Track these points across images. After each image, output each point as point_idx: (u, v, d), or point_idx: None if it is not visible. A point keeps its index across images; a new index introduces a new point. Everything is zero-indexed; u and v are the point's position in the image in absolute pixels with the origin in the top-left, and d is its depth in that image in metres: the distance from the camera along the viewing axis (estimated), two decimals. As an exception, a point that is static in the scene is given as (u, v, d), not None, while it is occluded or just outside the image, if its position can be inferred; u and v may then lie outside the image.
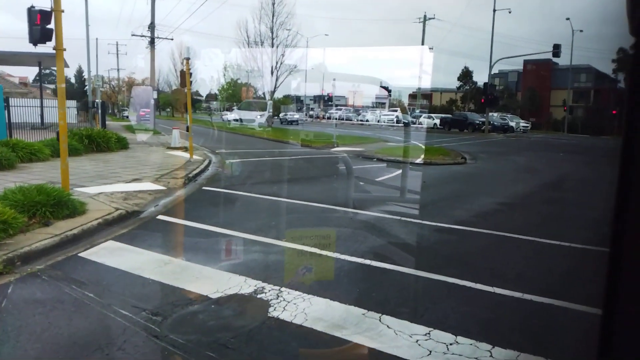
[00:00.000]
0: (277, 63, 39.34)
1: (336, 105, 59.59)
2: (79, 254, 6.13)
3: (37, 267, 5.60)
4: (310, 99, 67.37)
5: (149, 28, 31.49)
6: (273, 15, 39.04)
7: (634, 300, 0.87)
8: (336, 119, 50.25)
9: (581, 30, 47.76)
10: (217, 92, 51.18)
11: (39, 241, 6.20)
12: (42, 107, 23.25)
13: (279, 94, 48.05)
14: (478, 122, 41.52)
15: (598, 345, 0.91)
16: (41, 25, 8.57)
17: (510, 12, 40.75)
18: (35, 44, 8.75)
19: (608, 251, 0.89)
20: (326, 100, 59.14)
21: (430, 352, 3.76)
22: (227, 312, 4.58)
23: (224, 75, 45.78)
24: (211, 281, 5.20)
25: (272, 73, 39.33)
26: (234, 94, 46.70)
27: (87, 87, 35.59)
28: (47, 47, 9.04)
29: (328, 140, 24.68)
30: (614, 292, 0.88)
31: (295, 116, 46.11)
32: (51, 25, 8.56)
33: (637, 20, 0.86)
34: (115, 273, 5.46)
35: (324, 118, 54.31)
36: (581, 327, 4.46)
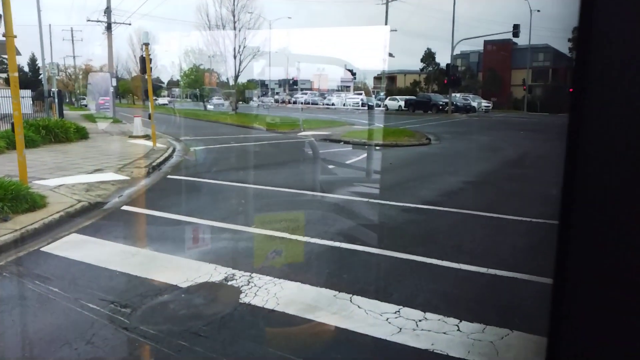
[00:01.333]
0: (239, 47, 38.67)
1: (302, 89, 59.30)
2: (42, 249, 5.95)
3: (-3, 263, 5.41)
4: (275, 83, 66.77)
5: (105, 13, 30.39)
6: (234, -2, 38.22)
7: (581, 271, 0.91)
8: (302, 103, 50.05)
9: (538, 10, 48.74)
10: (179, 79, 50.02)
11: (-3, 237, 5.99)
12: (-6, 97, 22.21)
13: (242, 79, 47.38)
14: (441, 103, 42.09)
15: (550, 312, 0.95)
16: (-12, 11, 8.15)
17: (470, -7, 41.12)
18: (-18, 31, 8.33)
19: (557, 224, 0.93)
20: (291, 84, 58.74)
21: (400, 329, 3.85)
22: (198, 300, 4.56)
23: (186, 60, 44.77)
24: (180, 270, 5.15)
25: (234, 57, 38.66)
26: (197, 79, 45.77)
27: (41, 76, 34.20)
28: (-4, 34, 8.62)
29: (294, 125, 24.57)
30: (563, 264, 0.93)
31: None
32: (-1, 11, 8.15)
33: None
34: (81, 266, 5.33)
35: (289, 102, 53.98)
36: (545, 298, 4.64)
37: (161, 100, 52.95)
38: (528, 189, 10.28)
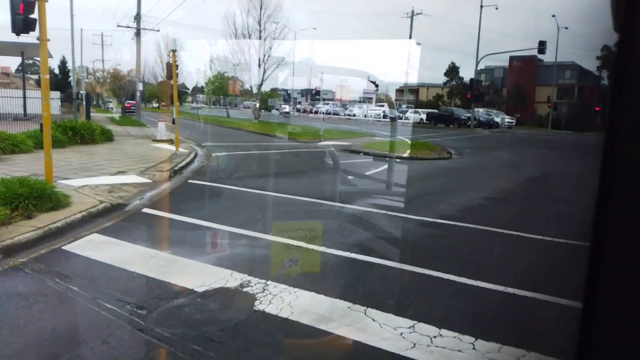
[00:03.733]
0: (264, 56, 39.10)
1: (323, 100, 59.56)
2: (63, 247, 6.07)
3: (20, 260, 5.53)
4: (298, 93, 67.20)
5: (135, 19, 31.09)
6: (261, 8, 38.75)
7: (612, 294, 0.89)
8: (323, 113, 50.24)
9: (566, 27, 48.29)
10: (203, 85, 50.77)
11: (21, 234, 6.12)
12: (24, 97, 22.87)
13: (266, 87, 47.85)
14: (464, 117, 41.79)
15: (578, 338, 0.93)
16: (24, 15, 8.40)
17: (497, 9, 40.92)
18: (18, 34, 8.59)
19: (589, 246, 0.91)
20: (314, 94, 59.05)
21: (415, 344, 3.81)
22: (213, 305, 4.58)
23: (211, 67, 45.42)
24: (197, 274, 5.19)
25: (259, 66, 39.08)
26: (221, 86, 46.37)
27: (71, 78, 35.06)
28: (30, 37, 8.88)
29: (315, 135, 24.65)
30: (594, 287, 0.90)
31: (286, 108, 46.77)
32: (35, 15, 8.40)
33: (621, 17, 0.87)
34: (100, 266, 5.42)
35: (311, 112, 54.23)
36: (562, 320, 4.55)
37: (194, 105, 55.65)
38: (549, 208, 10.11)
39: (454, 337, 3.95)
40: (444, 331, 4.03)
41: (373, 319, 4.22)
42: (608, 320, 0.89)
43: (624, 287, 0.87)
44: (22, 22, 8.42)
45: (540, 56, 41.34)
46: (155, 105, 67.78)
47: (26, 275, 5.15)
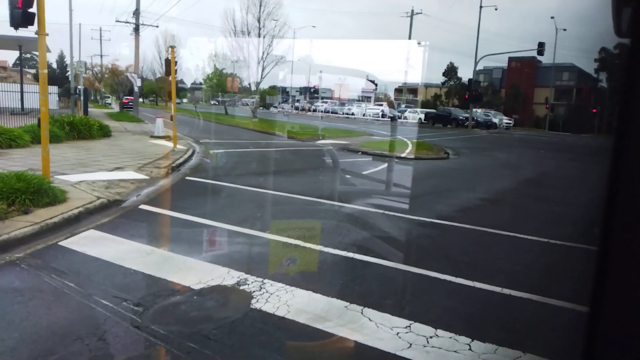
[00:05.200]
0: (263, 53, 39.02)
1: (322, 98, 59.52)
2: (59, 243, 6.05)
3: (16, 255, 5.52)
4: (297, 91, 67.16)
5: (133, 15, 30.99)
6: (260, 5, 38.65)
7: (620, 299, 0.88)
8: (322, 111, 50.23)
9: (565, 29, 48.41)
10: (202, 82, 50.70)
11: (18, 229, 6.11)
12: (22, 92, 22.77)
13: (264, 85, 47.77)
14: (462, 117, 41.82)
15: (583, 342, 0.93)
16: (23, 9, 8.36)
17: (496, 9, 40.92)
18: (16, 28, 8.54)
19: (597, 250, 0.90)
20: (312, 92, 59.01)
21: (411, 344, 3.81)
22: (209, 303, 4.58)
23: (210, 64, 45.31)
24: (194, 272, 5.18)
25: (258, 63, 39.02)
26: (219, 83, 46.29)
27: (69, 73, 34.93)
28: (28, 31, 8.84)
29: (314, 133, 24.64)
30: (601, 291, 0.90)
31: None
32: (33, 9, 8.36)
33: (625, 21, 0.87)
34: (97, 262, 5.40)
35: (309, 110, 54.20)
36: (559, 322, 4.56)
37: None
38: (546, 209, 10.13)
39: (450, 337, 3.96)
40: (440, 331, 4.04)
41: (370, 319, 4.22)
42: (615, 323, 0.89)
43: (631, 290, 0.87)
44: (21, 16, 8.38)
45: (538, 57, 41.44)
46: (151, 100, 67.63)
47: (22, 270, 5.13)
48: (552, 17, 47.57)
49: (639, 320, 0.86)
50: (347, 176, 13.19)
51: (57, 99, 26.01)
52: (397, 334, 3.98)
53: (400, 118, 44.58)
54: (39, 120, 9.60)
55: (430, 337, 3.93)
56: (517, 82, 59.20)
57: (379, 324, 4.13)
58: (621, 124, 0.87)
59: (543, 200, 11.15)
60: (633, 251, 0.86)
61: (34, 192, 7.16)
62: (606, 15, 0.95)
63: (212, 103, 55.21)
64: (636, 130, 0.85)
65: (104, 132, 18.56)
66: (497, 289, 5.11)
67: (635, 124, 0.85)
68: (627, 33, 0.86)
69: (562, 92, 58.36)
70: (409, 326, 4.11)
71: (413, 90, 67.39)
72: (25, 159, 11.51)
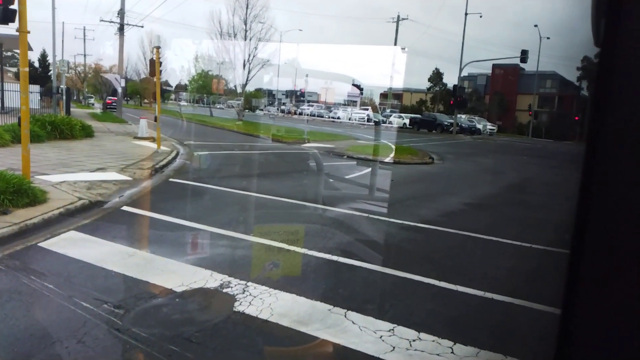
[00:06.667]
0: (249, 56, 38.92)
1: (308, 101, 59.56)
2: (39, 244, 5.94)
3: (-6, 256, 5.40)
4: (283, 94, 67.08)
5: (118, 14, 30.69)
6: (247, 7, 38.57)
7: (591, 300, 0.90)
8: (307, 115, 50.25)
9: (548, 38, 49.05)
10: (187, 83, 50.38)
11: (-4, 230, 5.98)
12: (2, 90, 22.38)
13: (250, 87, 47.64)
14: (446, 123, 42.18)
15: (556, 344, 0.94)
16: (4, 5, 8.22)
17: (481, 17, 41.44)
18: (-3, 25, 8.40)
19: (568, 253, 0.92)
20: (298, 96, 59.01)
21: (394, 347, 3.82)
22: (191, 306, 4.53)
23: (195, 65, 45.04)
24: (176, 275, 5.13)
25: (244, 66, 38.89)
26: (205, 85, 46.04)
27: (51, 72, 34.45)
28: (9, 29, 8.71)
29: (299, 136, 24.64)
30: (572, 293, 0.92)
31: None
32: (15, 6, 8.23)
33: (601, 32, 0.89)
34: (77, 264, 5.32)
35: (295, 113, 54.20)
36: (540, 325, 4.61)
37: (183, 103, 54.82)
38: (528, 214, 10.26)
39: (433, 340, 3.97)
40: (423, 335, 4.05)
41: (353, 322, 4.22)
42: (586, 326, 0.90)
43: (603, 293, 0.88)
44: (2, 13, 8.24)
45: (522, 65, 42.04)
46: (133, 102, 67.04)
47: (0, 272, 5.03)
48: (535, 26, 48.25)
49: (609, 320, 0.88)
50: (332, 180, 13.21)
51: (39, 98, 25.62)
52: (381, 337, 3.98)
53: (385, 122, 44.82)
54: (19, 119, 9.43)
55: (413, 341, 3.95)
56: (501, 89, 59.95)
57: (363, 327, 4.13)
58: (592, 130, 0.89)
59: (526, 205, 11.30)
60: (603, 254, 0.88)
61: (14, 192, 7.03)
62: (587, 26, 0.97)
63: (194, 105, 54.95)
64: (605, 137, 0.87)
65: (87, 133, 18.30)
66: (480, 293, 5.16)
67: (605, 130, 0.88)
68: (601, 44, 0.88)
69: (544, 99, 59.26)
70: (392, 329, 4.12)
71: (398, 95, 67.85)
72: (4, 158, 11.29)
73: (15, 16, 8.24)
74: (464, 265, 6.35)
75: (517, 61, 38.62)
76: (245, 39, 38.25)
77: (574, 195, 0.92)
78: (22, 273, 4.98)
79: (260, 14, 38.50)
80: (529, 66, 46.10)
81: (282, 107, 59.74)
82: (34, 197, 7.31)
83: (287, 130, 27.96)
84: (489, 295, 5.11)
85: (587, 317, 0.90)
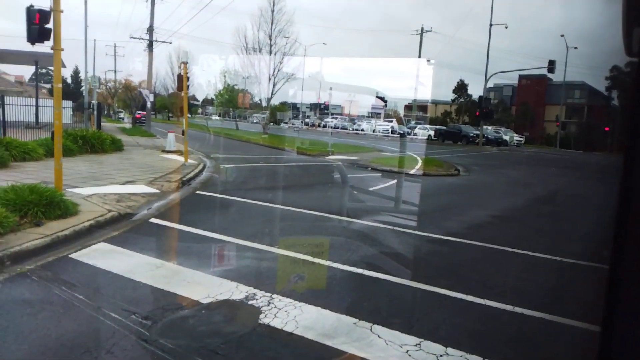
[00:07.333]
0: (274, 70, 39.40)
1: (332, 114, 59.77)
2: (70, 255, 6.08)
3: (27, 267, 5.55)
4: (307, 107, 67.52)
5: (147, 31, 31.52)
6: (272, 23, 39.14)
7: (633, 318, 0.87)
8: (331, 127, 50.41)
9: (575, 47, 48.24)
10: (213, 97, 51.23)
11: (29, 241, 6.15)
12: (37, 106, 23.12)
13: (275, 101, 48.16)
14: (472, 134, 41.73)
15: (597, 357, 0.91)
16: (40, 25, 8.55)
17: (506, 28, 41.06)
18: (33, 43, 8.73)
19: (607, 268, 0.90)
20: (322, 109, 59.29)
21: (421, 363, 3.75)
22: (217, 317, 4.56)
23: (222, 80, 45.81)
24: (202, 286, 5.18)
25: (269, 80, 39.36)
26: (231, 99, 46.75)
27: (83, 88, 35.50)
28: (44, 47, 9.03)
29: (323, 149, 24.71)
30: (613, 310, 0.89)
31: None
32: (50, 25, 8.54)
33: (634, 41, 0.87)
34: (106, 275, 5.42)
35: (319, 126, 54.42)
36: (570, 341, 4.48)
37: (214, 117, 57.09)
38: (557, 227, 10.02)
39: (461, 356, 3.90)
40: (450, 350, 3.98)
41: (379, 336, 4.18)
42: (628, 343, 0.87)
43: None
44: (37, 32, 8.57)
45: (549, 75, 41.43)
46: (161, 116, 68.44)
47: (32, 282, 5.16)
48: (562, 35, 47.57)
49: None
50: (356, 192, 13.17)
51: (71, 113, 26.38)
52: (407, 351, 3.93)
53: (409, 134, 44.59)
54: (52, 133, 9.73)
55: (441, 356, 3.88)
56: (528, 100, 59.10)
57: (389, 342, 4.08)
58: (631, 141, 0.86)
59: (555, 218, 11.04)
60: None
61: (46, 204, 7.23)
62: (616, 34, 0.95)
63: (223, 119, 55.76)
64: None
65: (117, 146, 18.76)
66: (509, 307, 5.04)
67: None
68: (637, 53, 0.86)
69: (573, 109, 58.14)
70: (419, 344, 4.06)
71: (423, 107, 67.50)
72: (38, 171, 11.65)
73: (50, 34, 8.56)
74: (491, 279, 6.23)
75: (544, 71, 38.14)
76: (270, 54, 38.78)
77: (604, 207, 0.90)
78: (53, 284, 5.11)
79: (285, 29, 39.06)
80: (556, 76, 45.47)
81: (307, 120, 60.08)
82: (65, 210, 7.50)
83: (312, 143, 28.07)
84: (518, 309, 5.00)
85: (629, 335, 0.87)
